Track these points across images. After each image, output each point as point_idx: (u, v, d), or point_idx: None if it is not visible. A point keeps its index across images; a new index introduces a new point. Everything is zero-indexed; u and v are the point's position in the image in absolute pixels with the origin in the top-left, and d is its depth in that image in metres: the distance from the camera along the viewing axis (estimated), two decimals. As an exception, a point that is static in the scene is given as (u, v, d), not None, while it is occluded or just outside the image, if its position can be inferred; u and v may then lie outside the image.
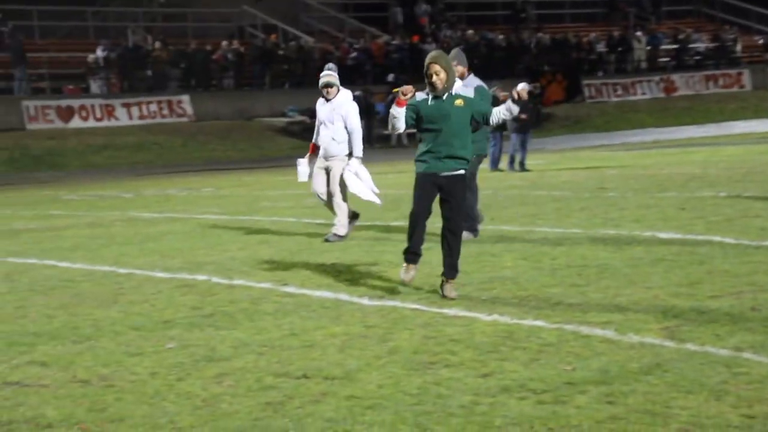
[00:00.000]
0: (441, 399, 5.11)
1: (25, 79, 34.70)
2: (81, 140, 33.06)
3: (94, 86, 35.91)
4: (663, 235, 10.13)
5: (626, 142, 31.17)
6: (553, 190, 16.00)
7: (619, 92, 43.29)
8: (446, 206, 7.76)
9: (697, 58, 46.25)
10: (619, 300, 7.22)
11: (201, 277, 9.06)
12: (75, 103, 34.57)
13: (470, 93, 8.00)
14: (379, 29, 43.00)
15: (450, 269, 7.72)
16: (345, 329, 6.73)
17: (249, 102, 37.11)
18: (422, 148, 7.80)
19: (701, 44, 46.71)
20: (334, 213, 11.28)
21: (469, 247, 10.01)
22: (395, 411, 4.95)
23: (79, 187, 24.13)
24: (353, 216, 11.42)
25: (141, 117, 35.27)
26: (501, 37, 43.11)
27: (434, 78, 7.64)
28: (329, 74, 11.17)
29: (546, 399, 5.02)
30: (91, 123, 34.30)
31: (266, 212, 14.91)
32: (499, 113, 7.88)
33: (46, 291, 8.82)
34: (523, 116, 21.32)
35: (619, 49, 44.75)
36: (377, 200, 10.79)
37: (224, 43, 37.89)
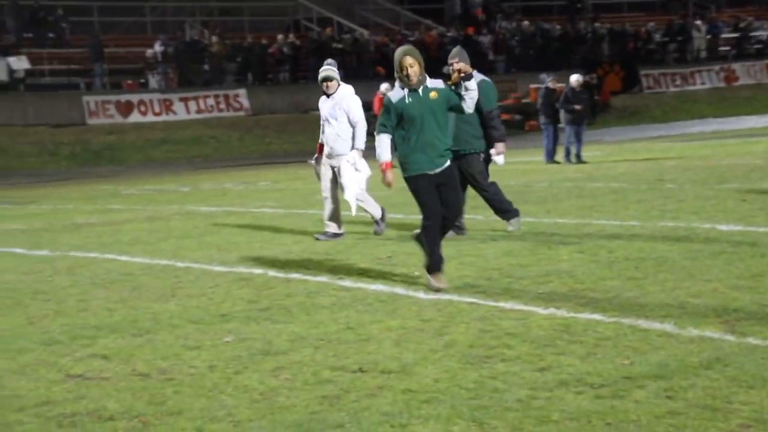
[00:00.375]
0: (497, 393, 5.09)
1: (101, 74, 35.20)
2: (140, 135, 33.47)
3: (153, 81, 36.34)
4: (723, 227, 9.99)
5: (685, 133, 30.76)
6: (610, 182, 15.85)
7: (678, 82, 42.74)
8: (444, 197, 7.88)
9: (759, 46, 45.49)
10: (677, 293, 7.14)
11: (258, 271, 9.12)
12: (134, 97, 35.02)
13: (439, 84, 7.95)
14: (433, 21, 42.94)
15: (435, 261, 7.85)
16: (401, 323, 6.74)
17: (305, 95, 37.26)
18: (407, 147, 7.84)
19: (763, 32, 45.95)
20: (329, 213, 11.10)
21: (524, 241, 9.97)
22: (451, 405, 4.95)
23: (137, 181, 24.43)
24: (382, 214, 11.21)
25: (198, 111, 35.61)
26: (557, 27, 42.79)
27: (409, 71, 7.72)
28: (328, 68, 10.93)
29: (604, 393, 4.98)
30: (149, 117, 34.72)
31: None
32: (464, 98, 7.82)
33: (106, 284, 8.96)
34: (578, 107, 21.17)
35: (679, 38, 44.17)
36: (353, 205, 10.70)
37: (280, 36, 38.09)
